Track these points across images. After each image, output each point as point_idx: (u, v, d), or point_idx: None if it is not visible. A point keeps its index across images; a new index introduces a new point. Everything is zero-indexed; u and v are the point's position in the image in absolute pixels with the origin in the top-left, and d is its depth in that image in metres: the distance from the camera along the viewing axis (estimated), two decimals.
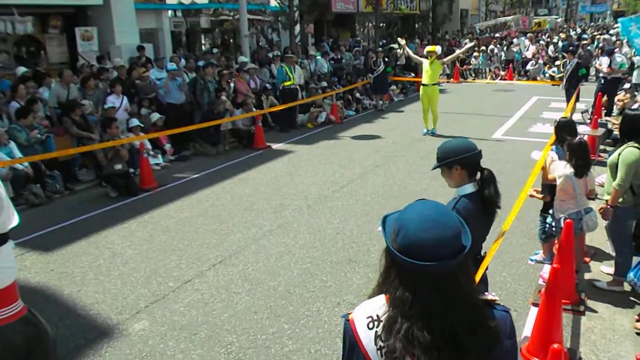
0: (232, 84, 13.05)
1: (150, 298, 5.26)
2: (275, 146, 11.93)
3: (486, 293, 1.69)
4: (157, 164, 10.28)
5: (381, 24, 25.21)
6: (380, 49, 18.68)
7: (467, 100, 16.85)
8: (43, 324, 3.96)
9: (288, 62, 14.06)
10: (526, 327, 4.51)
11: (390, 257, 1.54)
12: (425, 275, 1.47)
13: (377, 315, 1.54)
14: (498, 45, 24.74)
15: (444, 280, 1.47)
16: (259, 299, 5.17)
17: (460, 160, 2.98)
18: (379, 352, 1.52)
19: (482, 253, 3.36)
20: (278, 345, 4.41)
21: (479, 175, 3.04)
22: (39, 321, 3.95)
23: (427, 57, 12.48)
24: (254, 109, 12.43)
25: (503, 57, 23.72)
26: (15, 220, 3.68)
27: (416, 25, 33.11)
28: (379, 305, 1.57)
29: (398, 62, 20.38)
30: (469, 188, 3.02)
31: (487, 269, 3.46)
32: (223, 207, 7.92)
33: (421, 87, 12.54)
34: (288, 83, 13.77)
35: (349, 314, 1.63)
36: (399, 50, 20.92)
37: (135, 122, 9.97)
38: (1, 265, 3.59)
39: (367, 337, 1.55)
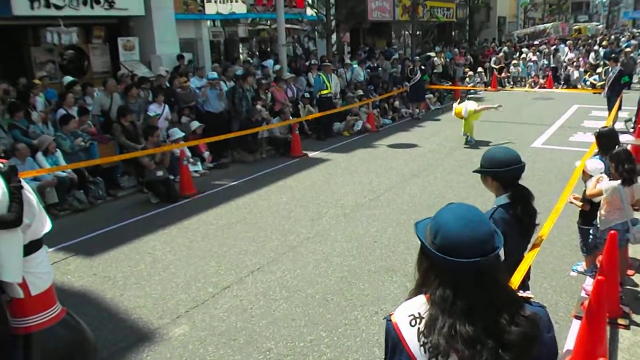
0: (269, 93, 13.18)
1: (190, 303, 5.34)
2: (311, 154, 11.99)
3: (521, 291, 1.75)
4: (196, 171, 10.45)
5: (418, 32, 25.12)
6: (417, 57, 18.60)
7: (506, 109, 16.61)
8: (83, 327, 4.08)
9: (325, 71, 14.15)
10: (568, 341, 4.42)
11: (429, 258, 1.62)
12: (464, 273, 1.54)
13: (419, 313, 1.60)
14: (537, 53, 24.36)
15: (483, 277, 1.55)
16: (296, 306, 5.20)
17: (490, 173, 3.05)
18: (422, 348, 1.57)
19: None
20: (316, 353, 4.42)
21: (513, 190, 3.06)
22: (79, 324, 4.07)
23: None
24: (290, 118, 12.52)
25: (545, 65, 23.35)
26: (48, 227, 3.81)
27: (453, 33, 32.89)
28: (419, 303, 1.63)
29: (435, 70, 20.27)
30: (503, 199, 3.04)
31: (528, 278, 3.43)
32: (260, 215, 7.99)
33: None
34: (325, 91, 13.84)
35: (391, 315, 1.68)
36: (435, 59, 20.83)
37: (178, 133, 10.13)
38: (37, 270, 3.73)
39: (410, 334, 1.60)
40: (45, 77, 11.48)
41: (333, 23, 18.78)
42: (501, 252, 1.63)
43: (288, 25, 19.53)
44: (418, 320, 1.59)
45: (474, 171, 3.22)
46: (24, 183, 3.72)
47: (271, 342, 4.59)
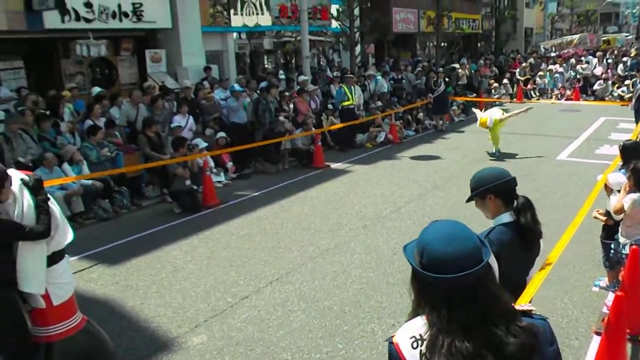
0: (292, 105, 13.30)
1: (209, 313, 5.40)
2: (334, 165, 12.03)
3: (521, 305, 1.75)
4: (219, 182, 10.57)
5: (442, 44, 25.08)
6: (441, 69, 18.56)
7: (530, 121, 16.45)
8: (103, 335, 4.15)
9: (347, 83, 14.22)
10: (588, 357, 4.35)
11: (419, 279, 1.63)
12: (454, 289, 1.56)
13: (420, 335, 1.61)
14: (564, 65, 24.09)
15: (474, 289, 1.56)
16: (314, 317, 5.22)
17: (493, 188, 2.87)
18: None
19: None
20: None
21: (515, 203, 2.90)
22: (100, 333, 4.14)
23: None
24: (313, 129, 12.60)
25: (572, 76, 23.09)
26: (70, 237, 3.90)
27: (479, 45, 32.75)
28: (420, 325, 1.63)
29: (459, 82, 20.19)
30: (506, 217, 2.88)
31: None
32: (281, 226, 8.05)
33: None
34: (347, 103, 13.90)
35: (392, 337, 1.68)
36: (460, 70, 20.76)
37: (202, 143, 10.27)
38: (59, 281, 3.80)
39: (412, 357, 1.61)
40: (74, 88, 11.75)
41: (357, 35, 18.87)
42: (495, 268, 1.63)
43: (313, 37, 19.70)
44: (420, 342, 1.60)
45: (470, 198, 3.00)
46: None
47: (287, 353, 4.61)
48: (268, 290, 5.87)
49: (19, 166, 7.95)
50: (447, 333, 1.53)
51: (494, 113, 12.23)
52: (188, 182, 9.21)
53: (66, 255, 3.97)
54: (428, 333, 1.58)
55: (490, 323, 1.54)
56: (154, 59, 14.59)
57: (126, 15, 13.11)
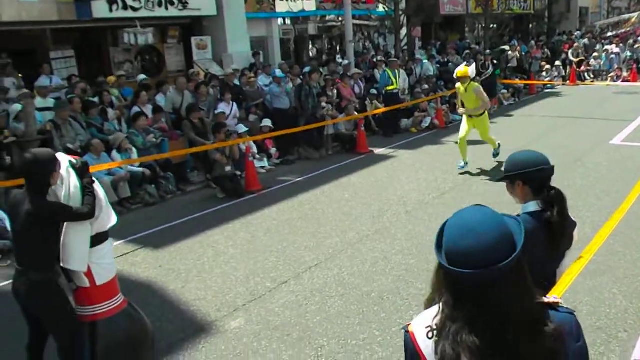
0: (335, 90, 13.21)
1: (248, 297, 5.45)
2: (377, 151, 11.91)
3: (546, 297, 1.61)
4: (262, 167, 10.63)
5: (492, 25, 24.37)
6: (488, 51, 18.05)
7: (583, 104, 15.88)
8: (143, 317, 4.24)
9: (391, 67, 14.01)
10: (637, 349, 4.17)
11: (438, 262, 1.57)
12: (465, 283, 1.47)
13: (436, 324, 1.54)
14: (620, 45, 23.04)
15: (486, 290, 1.46)
16: (352, 304, 5.19)
17: (521, 175, 2.72)
18: None
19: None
20: (368, 352, 4.39)
21: (546, 193, 2.70)
22: (140, 315, 4.23)
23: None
24: (356, 114, 12.49)
25: (629, 57, 22.08)
26: (113, 220, 3.99)
27: (530, 26, 31.66)
28: (435, 314, 1.57)
29: (509, 65, 19.60)
30: (532, 206, 2.71)
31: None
32: (322, 211, 8.03)
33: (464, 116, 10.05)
34: (391, 87, 13.70)
35: (408, 325, 1.62)
36: (510, 52, 20.14)
37: (242, 128, 10.36)
38: (103, 261, 3.91)
39: (427, 347, 1.55)
40: (122, 76, 12.01)
41: (403, 18, 18.55)
42: None
43: (357, 22, 19.50)
44: (435, 332, 1.54)
45: (500, 179, 2.89)
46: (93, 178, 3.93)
47: (324, 339, 4.60)
48: (307, 275, 5.87)
49: (68, 152, 8.20)
50: (453, 321, 1.47)
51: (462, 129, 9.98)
52: (229, 168, 9.30)
53: (110, 238, 4.07)
54: (437, 318, 1.53)
55: (502, 325, 1.44)
56: (200, 46, 14.75)
57: (172, 3, 13.28)
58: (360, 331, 4.70)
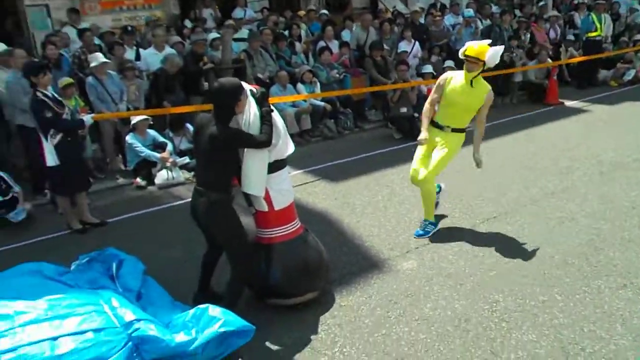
0: (528, 33, 12.21)
1: (421, 241, 5.37)
2: (568, 103, 10.93)
3: None
4: None
5: None
6: None
7: None
8: (319, 244, 4.38)
9: (597, 10, 12.53)
10: None
11: None
12: None
13: None
14: None
15: None
16: (531, 262, 4.88)
17: None
18: None
19: None
20: (547, 315, 4.12)
21: None
22: (316, 242, 4.38)
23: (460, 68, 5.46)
24: (549, 61, 11.48)
25: None
26: (290, 149, 4.12)
27: None
28: None
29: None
30: None
31: None
32: (502, 162, 7.60)
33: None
34: (593, 34, 12.32)
35: None
36: None
37: (428, 68, 10.07)
38: (280, 187, 4.07)
39: None
40: (311, 10, 12.21)
41: None
42: None
43: None
44: None
45: None
46: (272, 108, 4.03)
47: (499, 295, 4.40)
48: (484, 226, 5.63)
49: (258, 82, 8.65)
50: None
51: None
52: (404, 110, 9.13)
53: (287, 166, 4.20)
54: None
55: None
56: None
57: None
58: (540, 292, 4.41)
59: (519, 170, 7.27)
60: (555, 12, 13.46)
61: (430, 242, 5.35)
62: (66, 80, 7.12)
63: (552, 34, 12.65)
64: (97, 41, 9.02)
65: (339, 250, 5.23)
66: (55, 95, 6.02)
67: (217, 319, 3.50)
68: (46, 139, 5.79)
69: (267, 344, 3.89)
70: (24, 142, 7.20)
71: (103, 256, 4.41)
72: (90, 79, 7.72)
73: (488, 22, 12.13)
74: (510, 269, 4.77)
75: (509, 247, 5.17)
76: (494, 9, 12.91)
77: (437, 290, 4.50)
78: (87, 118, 6.37)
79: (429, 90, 9.49)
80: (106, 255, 4.41)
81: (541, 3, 14.18)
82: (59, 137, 5.81)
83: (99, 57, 7.69)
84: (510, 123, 9.72)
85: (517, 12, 13.82)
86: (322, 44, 10.12)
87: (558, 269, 4.76)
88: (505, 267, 4.81)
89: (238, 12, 12.02)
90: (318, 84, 9.26)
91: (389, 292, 4.50)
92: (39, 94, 5.72)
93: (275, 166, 4.02)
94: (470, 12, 11.80)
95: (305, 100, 9.07)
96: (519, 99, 11.39)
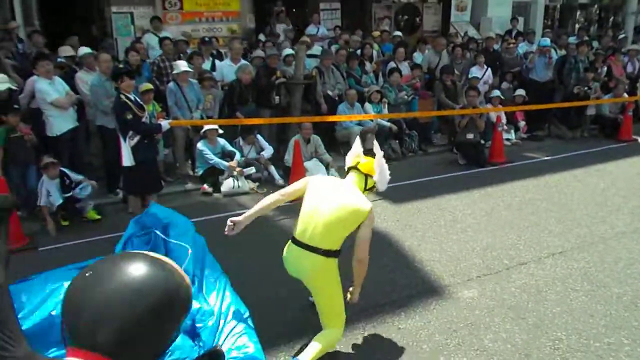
0: (605, 66, 11.89)
1: (483, 270, 5.32)
2: None
3: None
4: (508, 140, 10.18)
5: None
6: None
7: None
8: None
9: None
10: None
11: None
12: None
13: None
14: None
15: None
16: (598, 302, 4.75)
17: None
18: None
19: None
20: (612, 358, 3.99)
21: None
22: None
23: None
24: (625, 96, 11.13)
25: None
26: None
27: None
28: None
29: None
30: None
31: None
32: (571, 197, 7.42)
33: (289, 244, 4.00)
34: None
35: None
36: None
37: (496, 92, 9.99)
38: None
39: None
40: (385, 31, 12.33)
41: None
42: None
43: None
44: None
45: None
46: None
47: (562, 333, 4.30)
48: (549, 261, 5.51)
49: (327, 98, 8.80)
50: None
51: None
52: (471, 136, 9.06)
53: None
54: None
55: None
56: (460, 7, 14.45)
57: None
58: (606, 334, 4.28)
59: (588, 205, 7.08)
60: (635, 46, 13.03)
61: (493, 272, 5.28)
62: (146, 85, 7.46)
63: (629, 68, 12.26)
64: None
65: (399, 272, 5.24)
66: (138, 99, 6.34)
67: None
68: (125, 140, 6.10)
69: None
70: (102, 142, 7.57)
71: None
72: (171, 84, 8.05)
73: (563, 52, 11.90)
74: (575, 307, 4.66)
75: (575, 285, 5.04)
76: (571, 39, 12.64)
77: (498, 322, 4.44)
78: (165, 123, 6.66)
79: (499, 118, 9.42)
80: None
81: (621, 36, 13.78)
82: (136, 139, 6.12)
83: (182, 65, 8.02)
84: (580, 156, 9.48)
85: (595, 43, 13.49)
86: (392, 64, 10.18)
87: (626, 311, 4.61)
88: (570, 305, 4.69)
89: (311, 29, 12.27)
90: (386, 104, 9.32)
91: (448, 319, 4.48)
92: (122, 96, 6.05)
93: None
94: (546, 41, 11.59)
95: (371, 120, 9.14)
96: (590, 133, 11.08)
